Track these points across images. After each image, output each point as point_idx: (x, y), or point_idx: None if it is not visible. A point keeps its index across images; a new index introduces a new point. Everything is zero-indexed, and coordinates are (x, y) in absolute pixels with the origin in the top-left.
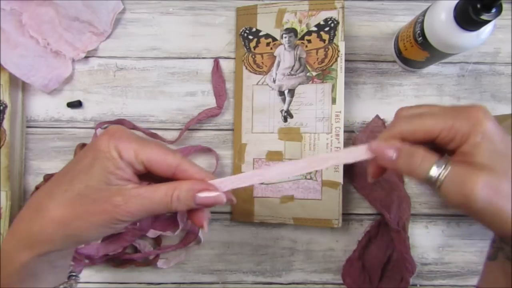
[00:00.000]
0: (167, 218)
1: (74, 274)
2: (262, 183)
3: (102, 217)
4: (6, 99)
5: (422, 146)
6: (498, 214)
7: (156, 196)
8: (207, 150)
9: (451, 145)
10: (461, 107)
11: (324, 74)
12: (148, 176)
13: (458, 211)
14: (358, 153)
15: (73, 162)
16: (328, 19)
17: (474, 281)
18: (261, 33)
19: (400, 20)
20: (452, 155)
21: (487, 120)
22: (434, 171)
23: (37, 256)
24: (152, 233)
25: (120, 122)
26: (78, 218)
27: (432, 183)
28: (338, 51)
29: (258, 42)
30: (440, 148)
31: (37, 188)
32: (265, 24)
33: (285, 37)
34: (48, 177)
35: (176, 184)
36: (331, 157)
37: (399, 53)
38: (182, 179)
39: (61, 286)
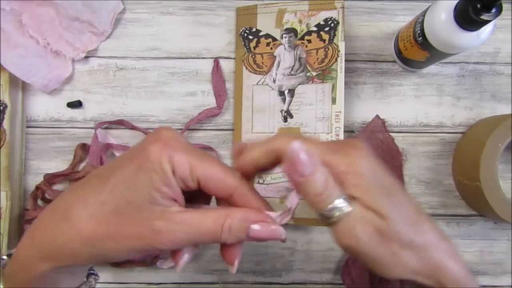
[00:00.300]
0: None
1: (93, 272)
2: (261, 184)
3: (137, 242)
4: (6, 99)
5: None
6: (383, 263)
7: (205, 224)
8: (208, 149)
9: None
10: (343, 142)
11: (324, 74)
12: (193, 193)
13: (458, 212)
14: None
15: (115, 166)
16: (328, 19)
17: None
18: (261, 33)
19: (400, 20)
20: None
21: (363, 159)
22: (335, 206)
23: (57, 268)
24: None
25: (119, 122)
26: (110, 238)
27: (325, 217)
28: (338, 51)
29: (258, 42)
30: None
31: (37, 188)
32: (265, 24)
33: (285, 37)
34: (48, 177)
35: (228, 211)
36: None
37: (399, 53)
38: (236, 205)
39: (82, 287)
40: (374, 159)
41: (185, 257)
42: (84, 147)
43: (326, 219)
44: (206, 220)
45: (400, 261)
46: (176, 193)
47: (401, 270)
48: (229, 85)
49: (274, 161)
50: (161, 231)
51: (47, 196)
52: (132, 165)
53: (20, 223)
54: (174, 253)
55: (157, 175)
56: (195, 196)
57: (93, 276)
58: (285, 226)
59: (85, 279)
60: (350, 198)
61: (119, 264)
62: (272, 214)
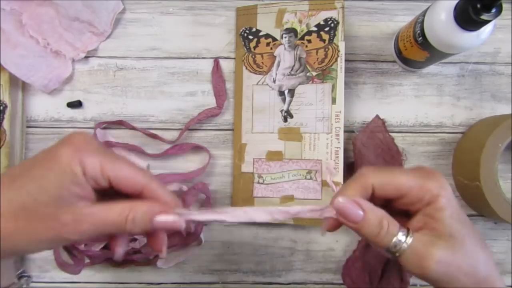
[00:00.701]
0: None
1: (26, 274)
2: (261, 184)
3: (47, 234)
4: (6, 99)
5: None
6: (452, 283)
7: (109, 216)
8: (199, 148)
9: (417, 205)
10: (425, 170)
11: (324, 74)
12: (109, 193)
13: None
14: (322, 212)
15: (25, 167)
16: (328, 19)
17: None
18: (261, 33)
19: (400, 20)
20: (410, 216)
21: (448, 185)
22: (396, 242)
23: None
24: None
25: (119, 122)
26: (19, 232)
27: (391, 252)
28: (338, 51)
29: (258, 42)
30: (397, 208)
31: None
32: (265, 24)
33: (285, 37)
34: None
35: (132, 204)
36: (292, 211)
37: (399, 53)
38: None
39: (13, 287)
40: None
41: (119, 249)
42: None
43: (392, 254)
44: (111, 212)
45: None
46: (86, 191)
47: None
48: (229, 85)
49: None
50: (68, 223)
51: None
52: (42, 167)
53: None
54: (152, 242)
55: (66, 176)
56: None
57: (25, 278)
58: (285, 226)
59: (15, 280)
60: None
61: (119, 264)
62: (179, 210)
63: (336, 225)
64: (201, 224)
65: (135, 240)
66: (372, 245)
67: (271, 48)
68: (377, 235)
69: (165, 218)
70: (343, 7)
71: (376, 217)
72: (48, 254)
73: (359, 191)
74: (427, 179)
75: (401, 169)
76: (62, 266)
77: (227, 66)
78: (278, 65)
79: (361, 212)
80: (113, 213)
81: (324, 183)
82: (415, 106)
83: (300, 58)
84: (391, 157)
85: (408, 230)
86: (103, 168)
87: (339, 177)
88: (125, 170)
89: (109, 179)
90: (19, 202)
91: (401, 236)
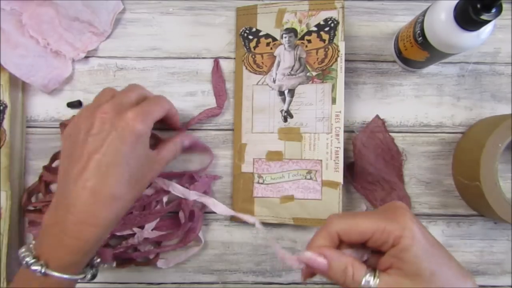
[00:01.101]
0: (170, 218)
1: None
2: (261, 184)
3: (148, 181)
4: (6, 99)
5: (351, 253)
6: None
7: (171, 147)
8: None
9: (384, 247)
10: (388, 209)
11: (324, 74)
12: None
13: (458, 212)
14: (291, 262)
15: (117, 149)
16: (328, 19)
17: None
18: (261, 33)
19: (400, 20)
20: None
21: (413, 223)
22: (365, 283)
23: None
24: (153, 234)
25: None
26: (138, 187)
27: None
28: (338, 51)
29: (258, 42)
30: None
31: (45, 168)
32: (265, 24)
33: (285, 37)
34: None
35: (172, 138)
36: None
37: (399, 53)
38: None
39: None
40: (417, 220)
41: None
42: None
43: None
44: (166, 145)
45: None
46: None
47: None
48: (229, 85)
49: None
50: (163, 157)
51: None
52: (126, 142)
53: (20, 223)
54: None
55: (146, 138)
56: None
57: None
58: (285, 226)
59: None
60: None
61: (119, 264)
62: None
63: (312, 273)
64: (200, 224)
65: (133, 235)
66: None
67: (271, 48)
68: (344, 281)
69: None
70: (343, 7)
71: (340, 265)
72: None
73: (327, 240)
74: (389, 222)
75: (364, 213)
76: None
77: (227, 66)
78: (278, 65)
79: (325, 262)
80: (171, 146)
81: (324, 183)
82: (415, 106)
83: (300, 58)
84: (391, 157)
85: (375, 271)
86: (153, 120)
87: (339, 177)
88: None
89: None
90: (126, 172)
91: (368, 277)
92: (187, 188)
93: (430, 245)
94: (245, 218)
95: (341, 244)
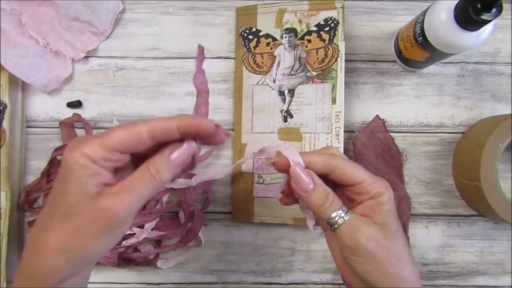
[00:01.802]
0: (170, 218)
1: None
2: (261, 183)
3: (97, 227)
4: (6, 99)
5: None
6: (377, 264)
7: (137, 180)
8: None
9: (363, 196)
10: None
11: (324, 74)
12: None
13: (458, 212)
14: (279, 165)
15: (52, 190)
16: (328, 19)
17: (474, 281)
18: (261, 33)
19: (400, 20)
20: (353, 205)
21: (392, 192)
22: (336, 215)
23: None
24: (153, 234)
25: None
26: (73, 237)
27: (330, 224)
28: (338, 51)
29: (258, 42)
30: (344, 195)
31: (47, 173)
32: (265, 24)
33: (285, 37)
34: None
35: (147, 162)
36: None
37: (399, 53)
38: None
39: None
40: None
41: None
42: (59, 151)
43: (330, 226)
44: (136, 176)
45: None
46: (104, 176)
47: (389, 280)
48: (229, 85)
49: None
50: (109, 207)
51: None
52: (60, 179)
53: (20, 223)
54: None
55: (78, 171)
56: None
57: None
58: (285, 226)
59: None
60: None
61: (119, 264)
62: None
63: (289, 196)
64: (200, 224)
65: (133, 234)
66: (317, 217)
67: (271, 48)
68: (321, 205)
69: (178, 153)
70: (343, 7)
71: (324, 190)
72: None
73: (321, 164)
74: (378, 179)
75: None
76: None
77: (227, 66)
78: (278, 65)
79: (311, 186)
80: (138, 175)
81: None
82: (415, 106)
83: (300, 58)
84: (391, 157)
85: (348, 209)
86: (103, 144)
87: None
88: (121, 132)
89: (115, 149)
90: (59, 215)
91: (341, 212)
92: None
93: (396, 214)
94: (245, 158)
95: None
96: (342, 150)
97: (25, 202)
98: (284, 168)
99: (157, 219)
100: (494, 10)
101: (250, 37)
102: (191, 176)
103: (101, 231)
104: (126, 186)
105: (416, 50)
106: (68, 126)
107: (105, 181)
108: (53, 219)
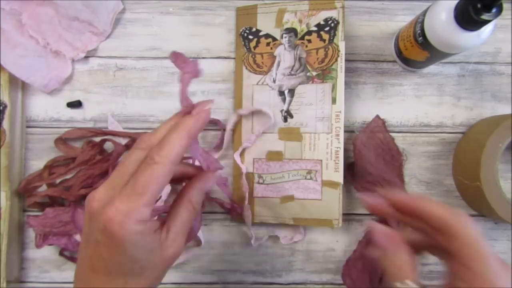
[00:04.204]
0: None
1: None
2: (261, 184)
3: (166, 270)
4: (6, 99)
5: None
6: None
7: (185, 219)
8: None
9: (448, 242)
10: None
11: (324, 74)
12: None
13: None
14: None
15: (104, 262)
16: (328, 19)
17: None
18: (261, 33)
19: (400, 20)
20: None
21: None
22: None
23: None
24: None
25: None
26: (152, 284)
27: None
28: (338, 51)
29: (258, 42)
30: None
31: (50, 167)
32: (265, 24)
33: (285, 37)
34: (49, 164)
35: (183, 194)
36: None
37: (399, 53)
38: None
39: None
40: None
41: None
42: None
43: None
44: (179, 215)
45: None
46: (153, 223)
47: None
48: (229, 85)
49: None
50: (175, 252)
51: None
52: (116, 250)
53: (20, 223)
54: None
55: (141, 241)
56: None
57: None
58: (285, 226)
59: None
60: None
61: None
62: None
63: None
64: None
65: None
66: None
67: (271, 48)
68: (390, 272)
69: (208, 180)
70: (343, 7)
71: (402, 258)
72: (48, 254)
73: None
74: (454, 212)
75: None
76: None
77: (227, 66)
78: (278, 65)
79: (384, 235)
80: (181, 212)
81: (324, 183)
82: (415, 106)
83: (300, 58)
84: (391, 157)
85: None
86: (149, 204)
87: (339, 177)
88: (157, 186)
89: (155, 199)
90: (133, 279)
91: (411, 284)
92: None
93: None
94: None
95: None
96: (342, 150)
97: (24, 190)
98: (378, 212)
99: (156, 217)
100: (494, 10)
101: (250, 37)
102: None
103: (167, 269)
104: (179, 229)
105: (416, 50)
106: (63, 142)
107: (156, 229)
108: (127, 284)
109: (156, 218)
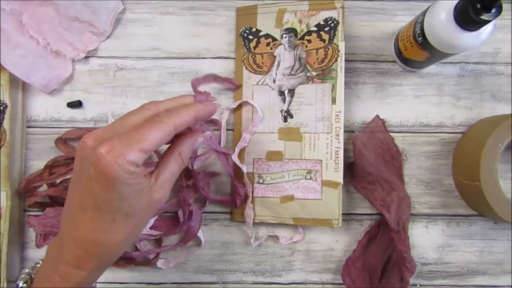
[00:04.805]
0: (169, 218)
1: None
2: (261, 184)
3: (152, 214)
4: (6, 99)
5: None
6: None
7: (173, 169)
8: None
9: None
10: None
11: (324, 74)
12: None
13: (458, 212)
14: None
15: (94, 197)
16: (328, 19)
17: (474, 281)
18: (261, 33)
19: (400, 20)
20: None
21: None
22: None
23: (95, 270)
24: (152, 232)
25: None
26: (136, 228)
27: None
28: (338, 51)
29: (258, 42)
30: None
31: (50, 167)
32: (265, 24)
33: (285, 37)
34: (50, 164)
35: (174, 147)
36: None
37: (399, 53)
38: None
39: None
40: None
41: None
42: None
43: None
44: (170, 165)
45: None
46: (145, 170)
47: None
48: (229, 85)
49: None
50: (162, 198)
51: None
52: (105, 186)
53: (20, 223)
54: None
55: (131, 179)
56: None
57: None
58: (285, 226)
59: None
60: None
61: (119, 263)
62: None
63: None
64: (199, 223)
65: None
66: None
67: (271, 48)
68: None
69: (196, 142)
70: (343, 7)
71: None
72: None
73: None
74: None
75: None
76: None
77: (227, 66)
78: (278, 65)
79: None
80: (171, 164)
81: (324, 183)
82: (415, 106)
83: (300, 58)
84: (391, 157)
85: None
86: (145, 151)
87: (339, 177)
88: (155, 137)
89: (152, 150)
90: (121, 215)
91: None
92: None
93: None
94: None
95: None
96: (342, 150)
97: (25, 190)
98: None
99: (156, 217)
100: (493, 10)
101: (250, 37)
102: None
103: (152, 215)
104: (167, 178)
105: (416, 50)
106: (63, 142)
107: (146, 174)
108: (114, 221)
109: (157, 217)
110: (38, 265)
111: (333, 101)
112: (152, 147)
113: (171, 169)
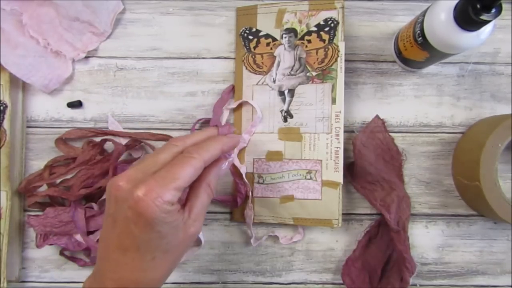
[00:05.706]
0: None
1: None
2: (261, 184)
3: (188, 248)
4: (7, 99)
5: None
6: None
7: (205, 203)
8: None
9: None
10: None
11: (324, 74)
12: None
13: (458, 211)
14: None
15: (133, 237)
16: (328, 19)
17: (474, 281)
18: (261, 33)
19: (400, 20)
20: None
21: None
22: None
23: None
24: None
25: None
26: (173, 263)
27: None
28: (338, 51)
29: (258, 42)
30: None
31: (50, 167)
32: (265, 24)
33: (285, 37)
34: (50, 164)
35: (202, 178)
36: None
37: (399, 53)
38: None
39: None
40: None
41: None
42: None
43: None
44: (200, 198)
45: None
46: (178, 208)
47: None
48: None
49: None
50: (197, 231)
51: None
52: (143, 226)
53: (20, 223)
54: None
55: (168, 218)
56: None
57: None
58: (285, 226)
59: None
60: None
61: None
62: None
63: None
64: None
65: None
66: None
67: (271, 48)
68: None
69: (222, 168)
70: (343, 7)
71: None
72: (49, 253)
73: None
74: None
75: None
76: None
77: (227, 66)
78: (278, 65)
79: None
80: (202, 196)
81: (324, 183)
82: (415, 106)
83: (300, 58)
84: (391, 157)
85: None
86: (179, 189)
87: (339, 177)
88: (188, 174)
89: (185, 187)
90: (160, 253)
91: None
92: None
93: None
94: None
95: None
96: (342, 150)
97: (25, 190)
98: None
99: None
100: (493, 10)
101: (250, 37)
102: None
103: (188, 248)
104: (200, 210)
105: (415, 50)
106: (63, 142)
107: (179, 209)
108: (154, 259)
109: None
110: None
111: (333, 101)
112: (185, 184)
113: (202, 201)
